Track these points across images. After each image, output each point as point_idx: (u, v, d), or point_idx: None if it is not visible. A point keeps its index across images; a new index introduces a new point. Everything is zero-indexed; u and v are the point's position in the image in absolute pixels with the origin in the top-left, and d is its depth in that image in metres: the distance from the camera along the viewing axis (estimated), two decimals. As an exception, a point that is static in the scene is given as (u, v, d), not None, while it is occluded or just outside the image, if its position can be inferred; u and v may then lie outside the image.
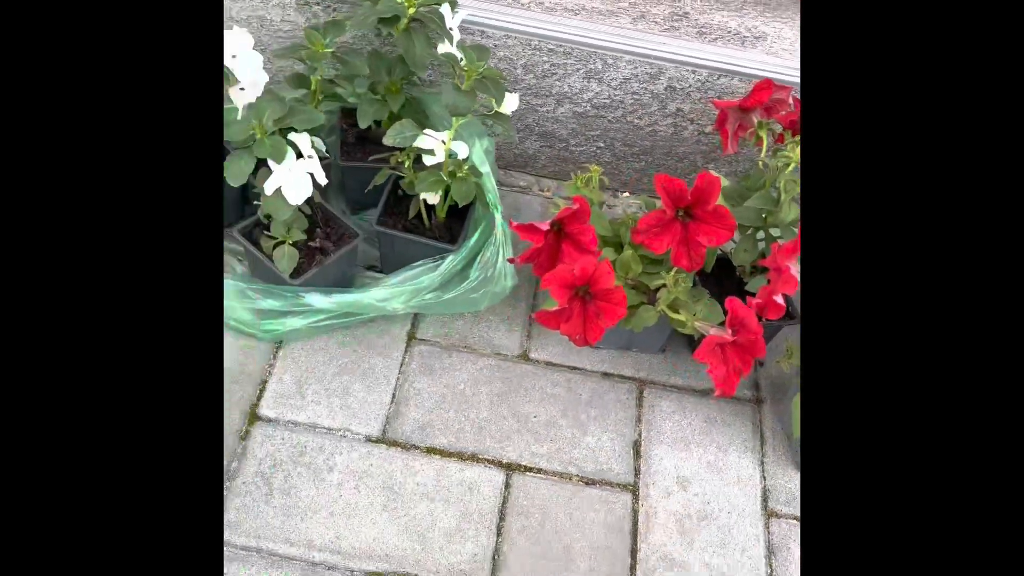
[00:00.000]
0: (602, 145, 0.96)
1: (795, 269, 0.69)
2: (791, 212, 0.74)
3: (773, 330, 0.85)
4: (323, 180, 0.71)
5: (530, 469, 0.77)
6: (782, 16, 0.85)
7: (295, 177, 0.69)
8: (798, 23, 0.85)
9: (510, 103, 0.77)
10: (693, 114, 0.91)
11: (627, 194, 1.00)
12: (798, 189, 0.73)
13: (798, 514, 0.76)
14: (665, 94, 0.89)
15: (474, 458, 0.77)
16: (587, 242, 0.72)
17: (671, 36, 0.87)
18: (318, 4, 0.86)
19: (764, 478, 0.79)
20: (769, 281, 0.72)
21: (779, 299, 0.70)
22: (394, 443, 0.76)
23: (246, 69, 0.73)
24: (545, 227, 0.71)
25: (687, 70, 0.87)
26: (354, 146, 0.88)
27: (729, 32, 0.86)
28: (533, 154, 0.99)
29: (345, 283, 0.84)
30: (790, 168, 0.74)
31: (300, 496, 0.72)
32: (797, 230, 0.72)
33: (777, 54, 0.87)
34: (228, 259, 0.85)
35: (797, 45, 0.87)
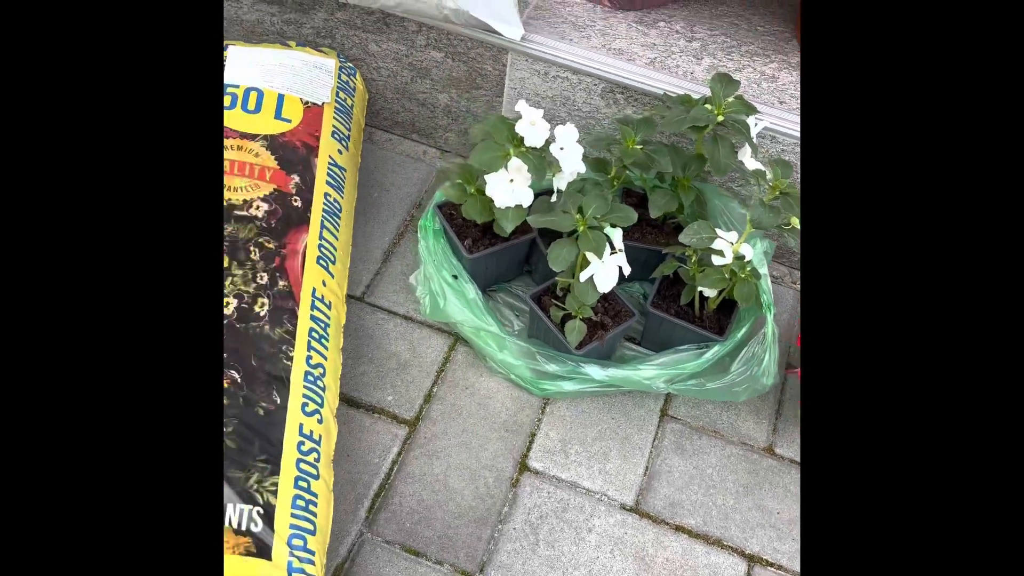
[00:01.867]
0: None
1: None
2: None
3: None
4: (627, 271, 0.79)
5: (772, 564, 0.81)
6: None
7: (607, 269, 0.77)
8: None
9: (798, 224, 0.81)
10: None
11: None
12: None
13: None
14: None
15: (719, 543, 0.82)
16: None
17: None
18: (621, 94, 0.94)
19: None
20: None
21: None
22: (646, 515, 0.83)
23: (571, 161, 0.81)
24: (831, 347, 0.75)
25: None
26: (634, 226, 0.95)
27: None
28: (795, 247, 1.02)
29: (610, 353, 0.91)
30: None
31: (563, 551, 0.80)
32: None
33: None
34: (507, 313, 0.94)
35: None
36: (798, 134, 0.91)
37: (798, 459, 0.88)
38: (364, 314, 0.94)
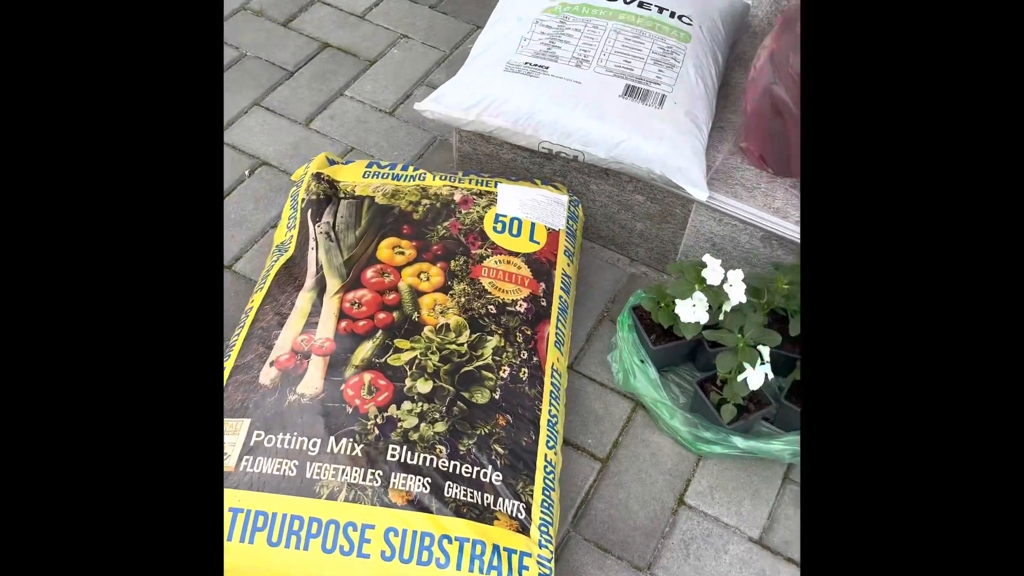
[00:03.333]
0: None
1: None
2: None
3: None
4: (771, 377, 1.14)
5: (856, 595, 1.13)
6: None
7: (756, 376, 1.12)
8: None
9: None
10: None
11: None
12: None
13: None
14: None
15: None
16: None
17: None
18: (776, 241, 1.29)
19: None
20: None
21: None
22: (767, 547, 1.17)
23: (736, 295, 1.17)
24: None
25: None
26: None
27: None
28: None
29: (751, 428, 1.26)
30: None
31: (705, 563, 1.15)
32: None
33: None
34: (676, 389, 1.30)
35: None
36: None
37: (885, 523, 1.19)
38: (573, 379, 1.33)
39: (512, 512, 1.03)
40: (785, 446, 1.21)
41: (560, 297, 1.27)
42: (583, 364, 1.35)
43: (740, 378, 1.14)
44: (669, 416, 1.24)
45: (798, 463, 1.22)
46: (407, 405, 1.06)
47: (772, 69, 1.21)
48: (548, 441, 1.12)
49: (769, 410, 1.22)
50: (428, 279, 1.21)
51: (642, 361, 1.26)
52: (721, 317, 1.20)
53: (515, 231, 1.30)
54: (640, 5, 1.39)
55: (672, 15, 1.38)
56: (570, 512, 1.19)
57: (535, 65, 1.32)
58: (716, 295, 1.16)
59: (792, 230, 1.27)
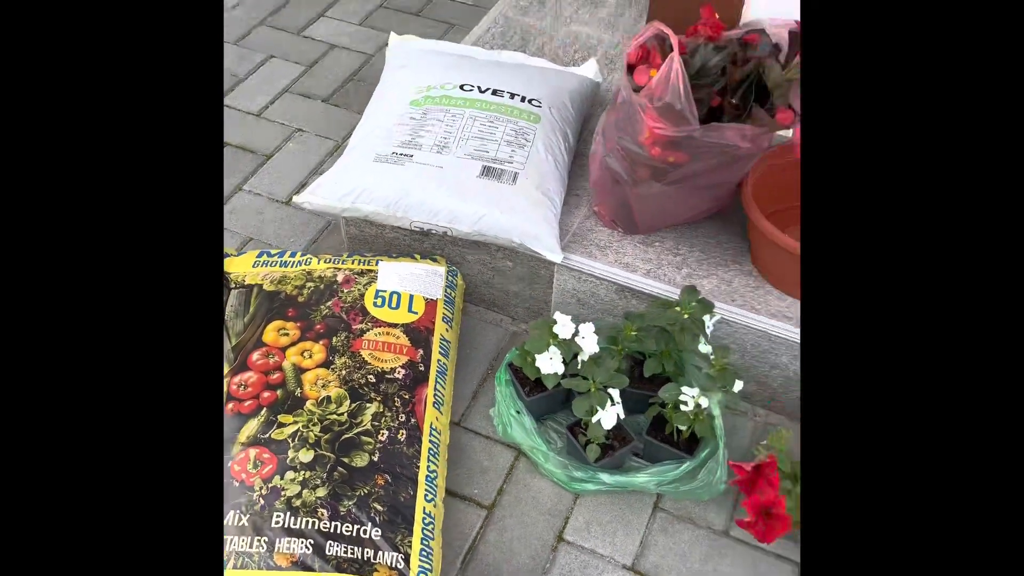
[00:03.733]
0: (798, 398, 1.43)
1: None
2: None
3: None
4: (622, 416, 1.27)
5: (719, 608, 1.25)
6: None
7: (608, 416, 1.25)
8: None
9: (738, 386, 1.28)
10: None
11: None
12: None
13: None
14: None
15: (685, 593, 1.26)
16: (774, 481, 1.20)
17: (853, 343, 1.33)
18: (629, 292, 1.44)
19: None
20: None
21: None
22: (638, 572, 1.28)
23: (588, 345, 1.30)
24: (749, 467, 1.20)
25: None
26: (637, 379, 1.43)
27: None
28: (752, 392, 1.48)
29: (621, 464, 1.38)
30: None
31: (583, 593, 1.26)
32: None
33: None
34: (554, 435, 1.42)
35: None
36: (743, 323, 1.38)
37: (747, 540, 1.32)
38: (460, 434, 1.44)
39: (391, 563, 1.13)
40: (650, 478, 1.33)
41: (439, 360, 1.40)
42: (469, 420, 1.46)
43: (595, 419, 1.26)
44: (544, 460, 1.36)
45: (665, 492, 1.34)
46: (290, 475, 1.17)
47: (604, 143, 1.37)
48: (427, 495, 1.23)
49: (635, 445, 1.35)
50: (311, 356, 1.33)
51: (518, 412, 1.38)
52: (579, 366, 1.34)
53: (394, 304, 1.43)
54: (494, 93, 1.55)
55: (523, 99, 1.55)
56: (458, 559, 1.29)
57: (401, 154, 1.47)
58: (568, 347, 1.30)
59: (640, 283, 1.42)
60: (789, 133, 1.35)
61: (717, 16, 1.26)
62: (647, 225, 1.47)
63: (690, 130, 1.21)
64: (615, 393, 1.28)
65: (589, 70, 1.71)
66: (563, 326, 1.30)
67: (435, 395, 1.35)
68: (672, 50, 1.16)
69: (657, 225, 1.47)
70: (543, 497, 1.37)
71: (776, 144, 1.39)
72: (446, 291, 1.49)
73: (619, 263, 1.45)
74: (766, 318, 1.37)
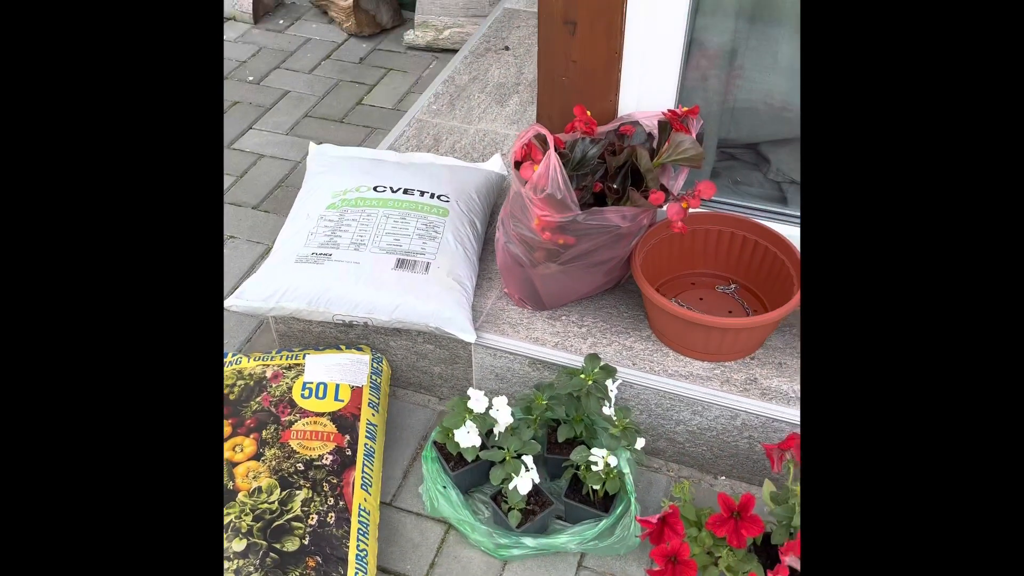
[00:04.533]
0: (704, 449, 1.54)
1: (792, 561, 1.22)
2: (796, 519, 1.28)
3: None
4: (537, 481, 1.36)
5: (642, 657, 1.32)
6: (812, 388, 1.42)
7: (523, 481, 1.34)
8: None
9: (640, 443, 1.39)
10: (759, 440, 1.47)
11: (723, 477, 1.56)
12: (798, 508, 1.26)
13: None
14: (740, 427, 1.47)
15: (610, 645, 1.33)
16: (679, 529, 1.29)
17: (744, 395, 1.46)
18: (541, 364, 1.55)
19: None
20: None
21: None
22: (565, 630, 1.35)
23: (503, 417, 1.41)
24: (654, 519, 1.30)
25: (753, 416, 1.45)
26: (553, 444, 1.53)
27: (781, 392, 1.44)
28: (664, 448, 1.58)
29: (545, 528, 1.46)
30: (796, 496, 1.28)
31: (513, 655, 1.32)
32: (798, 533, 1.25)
33: (811, 408, 1.43)
34: (482, 507, 1.50)
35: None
36: (645, 384, 1.50)
37: (665, 589, 1.40)
38: (392, 513, 1.52)
39: (324, 641, 1.19)
40: (570, 538, 1.41)
41: (366, 444, 1.48)
42: (400, 499, 1.54)
43: (511, 486, 1.35)
44: (471, 531, 1.44)
45: (586, 550, 1.43)
46: (225, 564, 1.23)
47: (504, 231, 1.51)
48: (357, 573, 1.30)
49: (555, 508, 1.44)
50: (242, 450, 1.40)
51: (444, 487, 1.47)
52: (496, 437, 1.43)
53: (321, 394, 1.52)
54: (405, 192, 1.69)
55: (432, 196, 1.69)
56: (393, 634, 1.35)
57: (320, 254, 1.59)
58: (483, 420, 1.40)
59: (550, 355, 1.54)
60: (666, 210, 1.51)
61: (589, 113, 1.42)
62: (552, 302, 1.59)
63: (572, 215, 1.35)
64: (528, 460, 1.37)
65: (495, 164, 1.86)
66: (476, 401, 1.40)
67: (363, 477, 1.43)
68: (549, 147, 1.31)
69: (561, 301, 1.60)
70: (473, 566, 1.44)
71: (659, 222, 1.54)
72: (371, 378, 1.59)
73: (530, 338, 1.57)
74: (665, 378, 1.49)
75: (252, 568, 1.23)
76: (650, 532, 1.31)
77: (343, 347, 1.64)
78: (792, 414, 1.43)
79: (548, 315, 1.61)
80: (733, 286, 1.65)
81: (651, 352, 1.54)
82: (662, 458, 1.60)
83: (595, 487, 1.43)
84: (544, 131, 1.34)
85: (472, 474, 1.50)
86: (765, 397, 1.45)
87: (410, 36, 2.89)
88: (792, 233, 1.61)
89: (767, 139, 1.82)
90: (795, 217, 1.66)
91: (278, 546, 1.27)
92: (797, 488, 1.29)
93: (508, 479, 1.35)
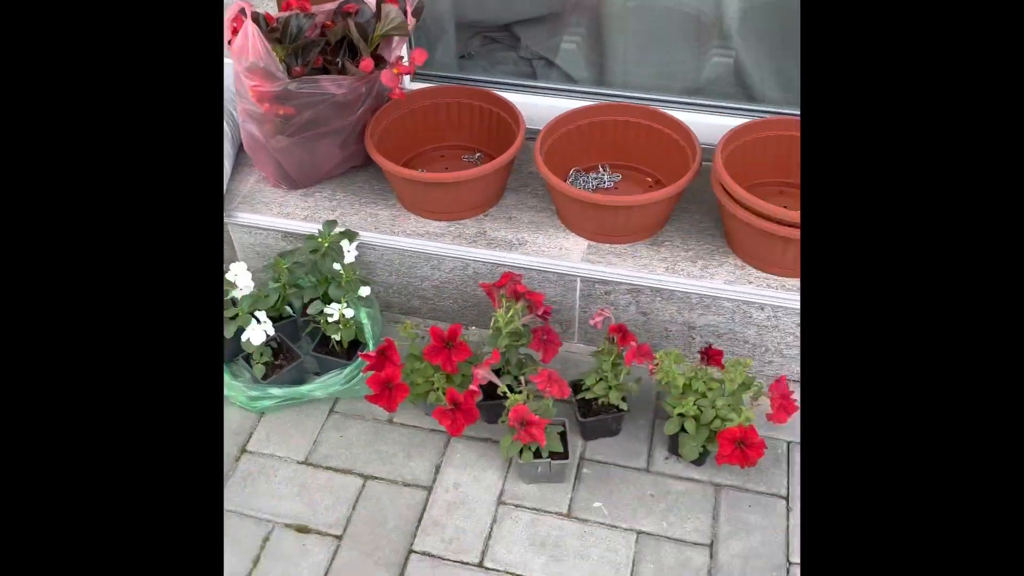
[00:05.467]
0: (451, 302, 1.68)
1: (486, 374, 1.37)
2: (499, 340, 1.43)
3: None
4: (271, 334, 1.49)
5: (375, 478, 1.47)
6: (539, 231, 1.56)
7: (256, 332, 1.47)
8: (548, 234, 1.56)
9: (364, 291, 1.52)
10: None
11: (473, 327, 1.71)
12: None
13: (515, 505, 1.40)
14: (471, 276, 1.62)
15: (349, 471, 1.48)
16: (395, 359, 1.43)
17: (472, 246, 1.59)
18: (292, 236, 1.66)
19: (506, 487, 1.45)
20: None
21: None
22: (311, 464, 1.49)
23: (244, 281, 1.52)
24: (374, 353, 1.44)
25: (481, 263, 1.59)
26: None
27: (506, 241, 1.58)
28: (418, 307, 1.72)
29: (301, 381, 1.59)
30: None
31: (259, 487, 1.45)
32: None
33: (531, 254, 1.57)
34: (243, 369, 1.62)
35: (545, 247, 1.56)
36: (388, 244, 1.62)
37: (408, 423, 1.54)
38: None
39: None
40: (316, 386, 1.55)
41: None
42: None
43: (244, 338, 1.47)
44: (227, 389, 1.55)
45: (335, 395, 1.56)
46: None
47: (237, 112, 1.60)
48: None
49: (299, 363, 1.56)
50: None
51: (203, 353, 1.58)
52: (239, 298, 1.55)
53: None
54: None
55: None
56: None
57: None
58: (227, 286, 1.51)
59: (299, 226, 1.65)
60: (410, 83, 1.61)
61: (302, -10, 1.52)
62: (303, 179, 1.70)
63: (283, 83, 1.45)
64: (260, 314, 1.49)
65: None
66: (239, 275, 1.51)
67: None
68: (247, 18, 1.40)
69: (312, 178, 1.71)
70: (230, 422, 1.56)
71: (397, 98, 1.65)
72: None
73: (281, 214, 1.67)
74: (404, 238, 1.62)
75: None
76: (371, 364, 1.45)
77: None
78: (512, 258, 1.58)
79: (302, 193, 1.72)
80: (478, 155, 1.78)
81: (394, 218, 1.66)
82: (418, 315, 1.74)
83: (336, 338, 1.56)
84: (245, 5, 1.43)
85: (235, 340, 1.61)
86: (491, 246, 1.59)
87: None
88: (533, 101, 1.75)
89: (516, 19, 1.94)
90: (541, 88, 1.80)
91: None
92: (500, 314, 1.44)
93: (242, 332, 1.47)
